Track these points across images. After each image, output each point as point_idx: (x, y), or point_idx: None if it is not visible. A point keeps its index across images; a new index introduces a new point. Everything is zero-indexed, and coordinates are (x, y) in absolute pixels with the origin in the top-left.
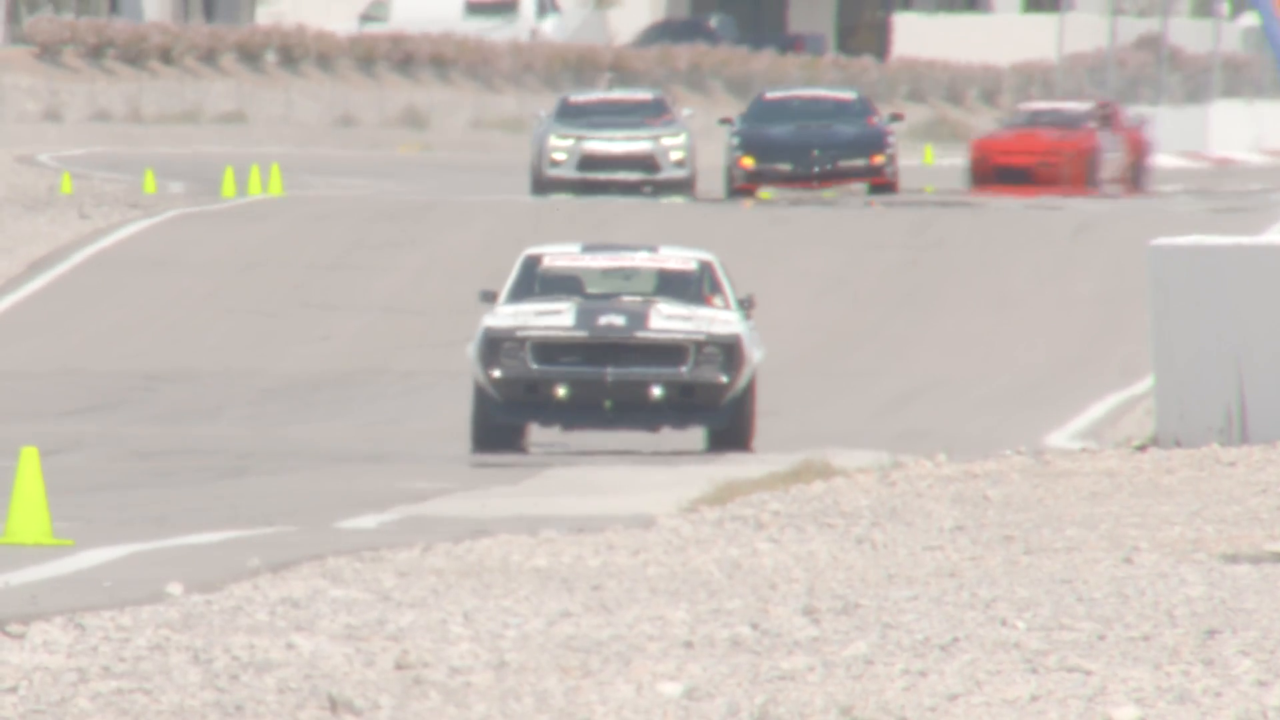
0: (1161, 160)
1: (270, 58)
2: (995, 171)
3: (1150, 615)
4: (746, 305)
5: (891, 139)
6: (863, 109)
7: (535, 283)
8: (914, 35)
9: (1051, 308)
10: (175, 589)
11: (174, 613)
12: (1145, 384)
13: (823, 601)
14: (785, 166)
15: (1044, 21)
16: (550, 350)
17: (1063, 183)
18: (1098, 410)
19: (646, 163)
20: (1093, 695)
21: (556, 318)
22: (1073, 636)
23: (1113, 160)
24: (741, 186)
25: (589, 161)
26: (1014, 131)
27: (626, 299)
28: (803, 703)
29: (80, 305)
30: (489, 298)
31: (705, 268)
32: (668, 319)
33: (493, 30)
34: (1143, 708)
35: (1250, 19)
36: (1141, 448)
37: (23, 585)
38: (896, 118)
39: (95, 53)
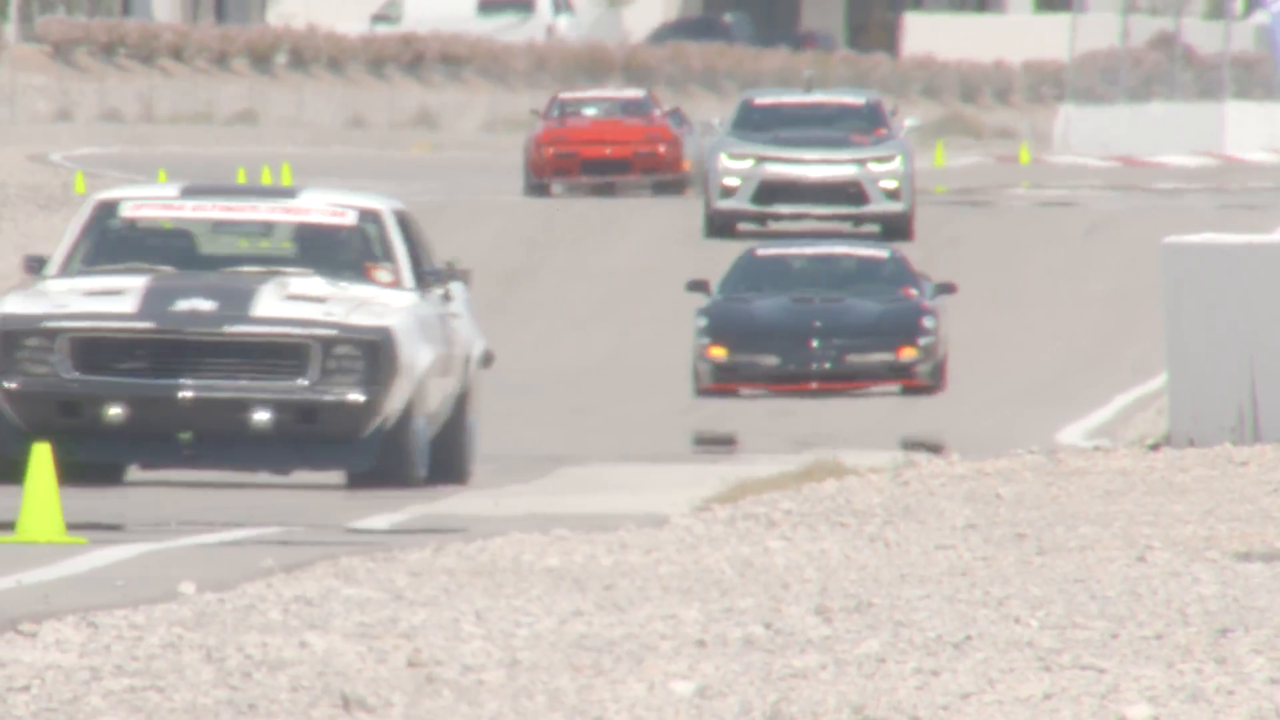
0: (1175, 159)
1: (281, 59)
2: (582, 165)
3: (1163, 614)
4: (444, 278)
5: (930, 318)
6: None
7: (108, 245)
8: (925, 33)
9: (1064, 306)
10: (188, 588)
11: (187, 611)
12: (1158, 382)
13: (835, 600)
14: (772, 360)
15: (1057, 21)
16: (100, 351)
17: (658, 173)
18: (1111, 409)
19: (849, 192)
20: (1106, 693)
21: (113, 301)
22: (1086, 635)
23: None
24: (711, 387)
25: (770, 190)
26: (589, 121)
27: (237, 272)
28: (815, 701)
29: None
30: (34, 266)
31: (371, 222)
32: (287, 301)
33: (506, 29)
34: (1155, 706)
35: (1262, 17)
36: (1154, 446)
37: (35, 584)
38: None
39: (107, 52)
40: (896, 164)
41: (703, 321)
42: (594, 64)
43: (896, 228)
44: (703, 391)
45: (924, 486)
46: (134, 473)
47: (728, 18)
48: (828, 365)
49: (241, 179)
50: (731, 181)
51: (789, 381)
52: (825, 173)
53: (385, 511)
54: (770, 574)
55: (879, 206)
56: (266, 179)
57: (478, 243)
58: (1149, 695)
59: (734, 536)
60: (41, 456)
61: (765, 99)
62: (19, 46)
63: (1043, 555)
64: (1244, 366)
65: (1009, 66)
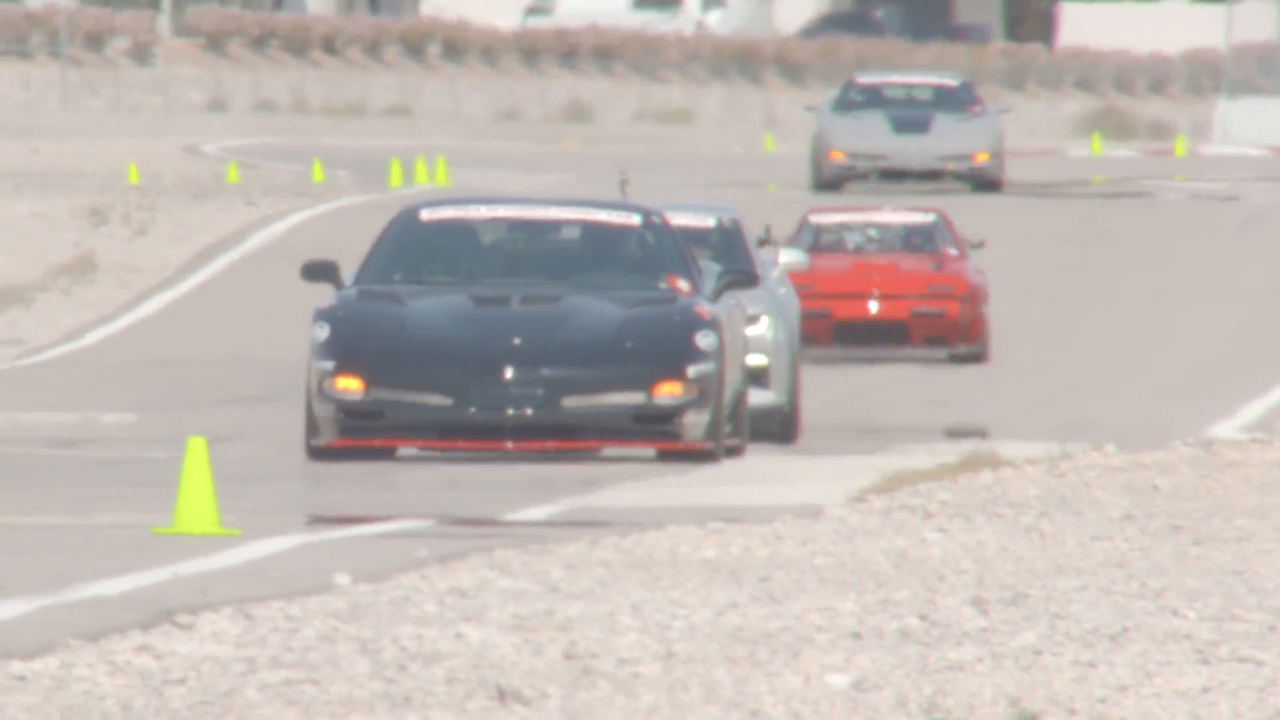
0: None
1: (434, 50)
2: (836, 330)
3: None
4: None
5: (710, 331)
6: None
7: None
8: (1082, 23)
9: (1221, 298)
10: (343, 579)
11: (342, 603)
12: None
13: (991, 592)
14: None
15: (1213, 10)
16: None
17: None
18: (1267, 401)
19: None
20: (1264, 686)
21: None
22: (1244, 627)
23: None
24: (334, 444)
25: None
26: (849, 261)
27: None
28: (971, 694)
29: (248, 293)
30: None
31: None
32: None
33: (657, 23)
34: None
35: None
36: None
37: (191, 576)
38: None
39: (259, 44)
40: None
41: (322, 332)
42: (745, 57)
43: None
44: (317, 451)
45: (1080, 478)
46: (291, 466)
47: (879, 11)
48: (530, 412)
49: (395, 171)
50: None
51: (469, 436)
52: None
53: (540, 504)
54: (926, 565)
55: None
56: (421, 170)
57: None
58: None
59: (890, 528)
60: (197, 449)
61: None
62: (172, 39)
63: (1199, 546)
64: None
65: (1165, 57)
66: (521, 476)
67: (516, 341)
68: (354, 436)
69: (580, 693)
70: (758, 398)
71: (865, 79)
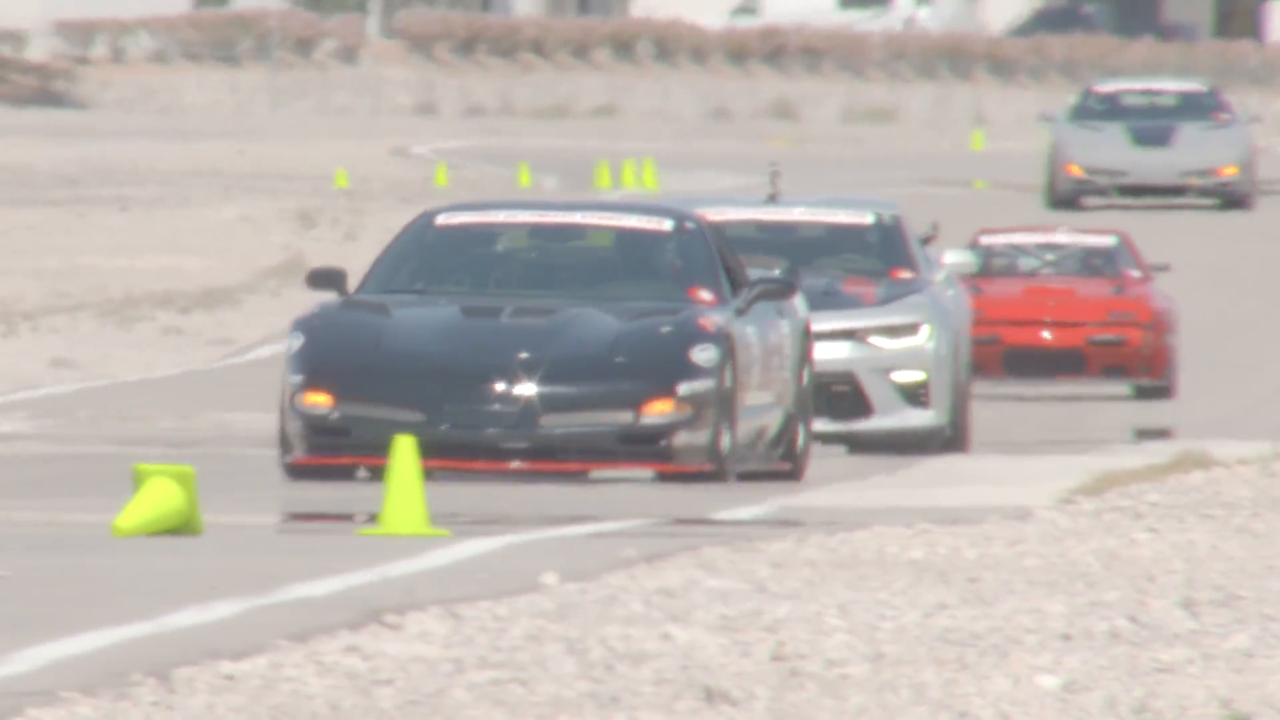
0: None
1: (642, 51)
2: (1007, 357)
3: None
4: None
5: (711, 346)
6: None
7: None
8: None
9: None
10: (550, 579)
11: (549, 603)
12: None
13: (1202, 593)
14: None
15: None
16: None
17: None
18: None
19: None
20: None
21: None
22: None
23: None
24: (303, 461)
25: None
26: (1021, 285)
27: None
28: (1182, 695)
29: None
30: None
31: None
32: None
33: (865, 22)
34: None
35: None
36: None
37: (400, 576)
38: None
39: (467, 46)
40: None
41: (296, 343)
42: (953, 54)
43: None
44: (292, 468)
45: None
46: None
47: (1088, 8)
48: (507, 431)
49: (603, 173)
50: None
51: (441, 455)
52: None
53: (747, 503)
54: (1136, 566)
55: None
56: (628, 172)
57: None
58: None
59: (1099, 529)
60: (405, 449)
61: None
62: (380, 41)
63: None
64: None
65: None
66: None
67: (501, 356)
68: (322, 454)
69: (788, 694)
70: (914, 418)
71: (1104, 87)
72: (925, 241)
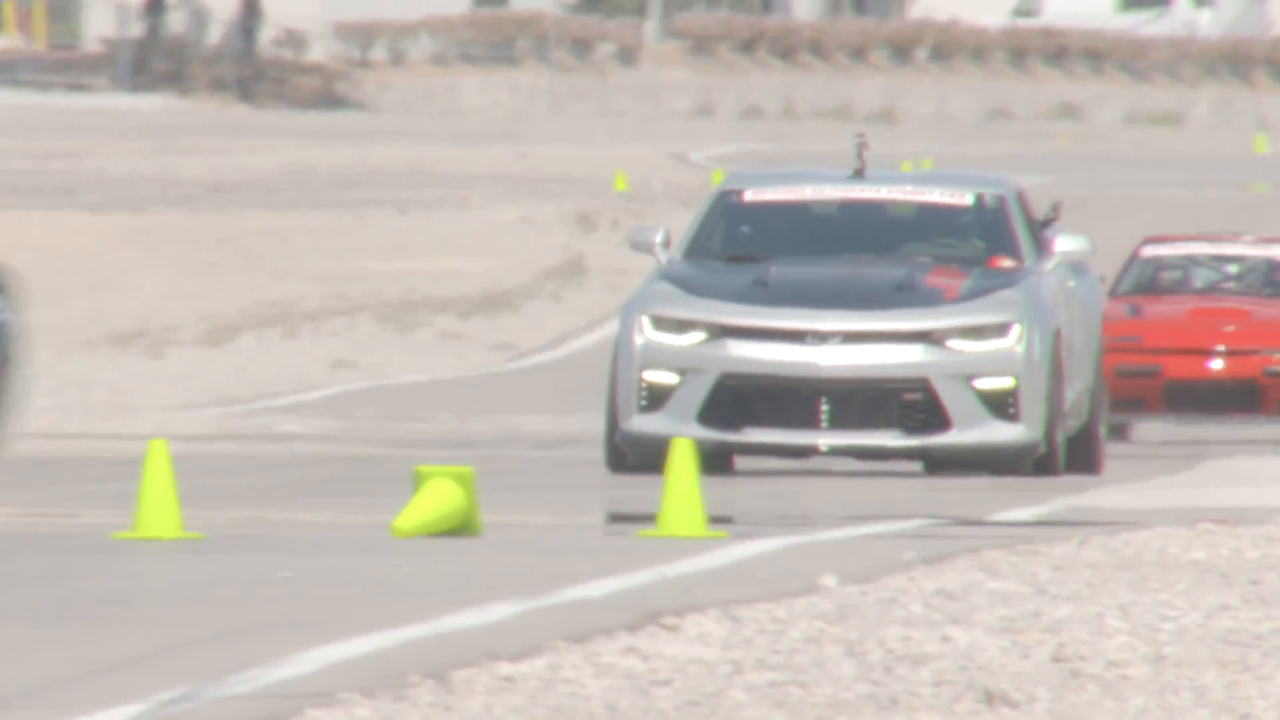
0: None
1: (920, 53)
2: (1168, 391)
3: None
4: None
5: None
6: None
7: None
8: None
9: None
10: (829, 581)
11: (828, 605)
12: None
13: None
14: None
15: None
16: None
17: None
18: None
19: None
20: None
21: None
22: None
23: None
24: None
25: None
26: (1187, 306)
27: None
28: None
29: None
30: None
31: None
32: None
33: (1145, 24)
34: None
35: None
36: None
37: (678, 577)
38: None
39: (746, 48)
40: None
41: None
42: (1236, 57)
43: None
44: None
45: None
46: (773, 465)
47: None
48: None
49: None
50: None
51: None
52: None
53: (1028, 504)
54: None
55: None
56: None
57: (1123, 234)
58: None
59: None
60: (683, 450)
61: None
62: (659, 44)
63: None
64: None
65: None
66: (1003, 484)
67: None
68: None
69: (1068, 695)
70: (1000, 432)
71: None
72: (1046, 224)
